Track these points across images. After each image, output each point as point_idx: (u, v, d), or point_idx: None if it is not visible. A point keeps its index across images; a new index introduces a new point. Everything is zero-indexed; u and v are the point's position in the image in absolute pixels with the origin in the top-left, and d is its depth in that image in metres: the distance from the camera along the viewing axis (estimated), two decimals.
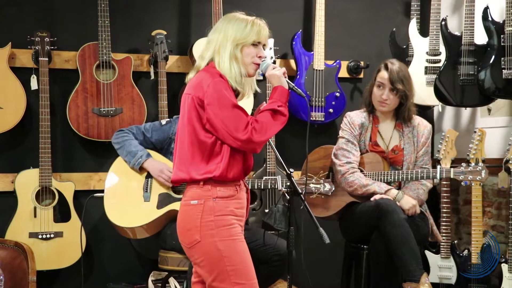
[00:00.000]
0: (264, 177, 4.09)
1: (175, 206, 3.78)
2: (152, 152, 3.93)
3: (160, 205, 3.83)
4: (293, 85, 3.05)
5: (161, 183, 3.84)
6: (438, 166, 4.01)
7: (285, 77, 3.01)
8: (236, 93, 2.99)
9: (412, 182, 4.06)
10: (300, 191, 3.18)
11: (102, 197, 3.90)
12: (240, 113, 2.87)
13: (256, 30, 2.93)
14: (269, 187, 3.99)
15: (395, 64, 4.06)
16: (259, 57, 2.96)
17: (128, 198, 3.86)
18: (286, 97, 2.96)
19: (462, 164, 3.95)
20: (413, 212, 3.97)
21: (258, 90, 3.12)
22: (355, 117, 4.17)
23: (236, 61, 2.92)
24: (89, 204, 4.12)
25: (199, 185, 2.90)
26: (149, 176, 3.88)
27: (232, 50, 2.91)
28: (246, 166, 2.99)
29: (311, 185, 3.82)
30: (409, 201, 3.96)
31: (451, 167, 4.09)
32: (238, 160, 2.93)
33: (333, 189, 3.88)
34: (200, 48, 4.32)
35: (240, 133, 2.84)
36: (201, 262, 2.90)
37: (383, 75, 4.05)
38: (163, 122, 4.01)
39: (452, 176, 3.93)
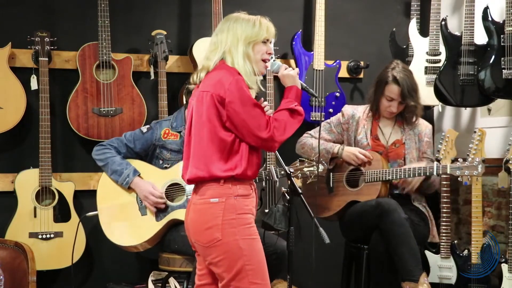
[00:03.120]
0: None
1: (175, 215, 3.76)
2: (137, 163, 3.88)
3: (158, 217, 3.79)
4: (306, 85, 3.09)
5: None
6: (435, 163, 4.02)
7: None
8: None
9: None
10: (300, 191, 3.18)
11: (95, 216, 3.87)
12: (260, 112, 2.88)
13: (265, 28, 2.97)
14: (264, 179, 3.97)
15: (401, 73, 4.06)
16: (268, 53, 3.00)
17: (125, 215, 3.82)
18: (300, 97, 3.01)
19: (459, 159, 3.96)
20: (354, 159, 4.05)
21: (263, 89, 3.13)
22: (349, 108, 4.29)
23: (249, 59, 2.94)
24: (89, 204, 4.13)
25: (219, 183, 2.89)
26: None
27: (245, 49, 2.93)
28: (259, 164, 3.00)
29: (305, 169, 3.79)
30: (349, 150, 4.08)
31: None
32: (255, 158, 2.94)
33: (327, 167, 3.89)
34: (200, 48, 4.36)
35: (262, 131, 2.86)
36: (219, 261, 2.87)
37: (394, 90, 4.05)
38: (144, 129, 3.96)
39: (448, 172, 3.94)
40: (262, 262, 2.91)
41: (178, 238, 3.74)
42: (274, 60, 3.07)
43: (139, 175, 3.83)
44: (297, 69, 3.07)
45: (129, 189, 3.83)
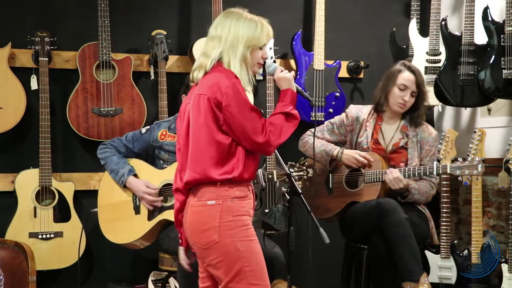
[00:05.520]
0: None
1: (165, 215, 3.79)
2: (137, 162, 3.91)
3: (150, 216, 3.82)
4: (301, 88, 3.07)
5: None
6: (435, 163, 4.01)
7: None
8: None
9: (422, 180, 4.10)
10: (300, 191, 3.19)
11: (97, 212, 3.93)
12: (257, 116, 2.87)
13: (266, 33, 2.94)
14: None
15: (413, 66, 4.13)
16: (264, 58, 2.98)
17: (120, 213, 3.86)
18: (295, 100, 2.99)
19: (458, 159, 3.96)
20: (354, 162, 4.04)
21: (255, 83, 3.08)
22: (354, 109, 4.24)
23: (245, 62, 2.91)
24: (89, 204, 4.13)
25: (216, 186, 2.87)
26: None
27: (243, 52, 2.90)
28: (257, 166, 2.99)
29: (294, 173, 3.79)
30: (349, 154, 4.07)
31: None
32: (252, 160, 2.93)
33: (317, 171, 3.88)
34: (201, 47, 4.36)
35: (258, 136, 2.85)
36: (218, 263, 2.86)
37: (409, 77, 4.06)
38: (143, 130, 3.99)
39: (448, 171, 3.94)
40: (261, 263, 2.89)
41: (166, 238, 3.79)
42: (272, 61, 3.06)
43: (134, 175, 3.85)
44: (293, 72, 3.04)
45: (126, 188, 3.86)
